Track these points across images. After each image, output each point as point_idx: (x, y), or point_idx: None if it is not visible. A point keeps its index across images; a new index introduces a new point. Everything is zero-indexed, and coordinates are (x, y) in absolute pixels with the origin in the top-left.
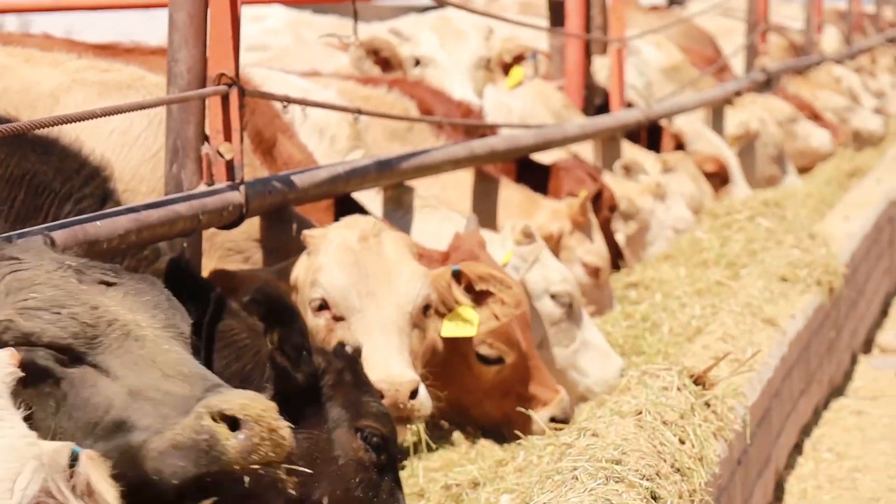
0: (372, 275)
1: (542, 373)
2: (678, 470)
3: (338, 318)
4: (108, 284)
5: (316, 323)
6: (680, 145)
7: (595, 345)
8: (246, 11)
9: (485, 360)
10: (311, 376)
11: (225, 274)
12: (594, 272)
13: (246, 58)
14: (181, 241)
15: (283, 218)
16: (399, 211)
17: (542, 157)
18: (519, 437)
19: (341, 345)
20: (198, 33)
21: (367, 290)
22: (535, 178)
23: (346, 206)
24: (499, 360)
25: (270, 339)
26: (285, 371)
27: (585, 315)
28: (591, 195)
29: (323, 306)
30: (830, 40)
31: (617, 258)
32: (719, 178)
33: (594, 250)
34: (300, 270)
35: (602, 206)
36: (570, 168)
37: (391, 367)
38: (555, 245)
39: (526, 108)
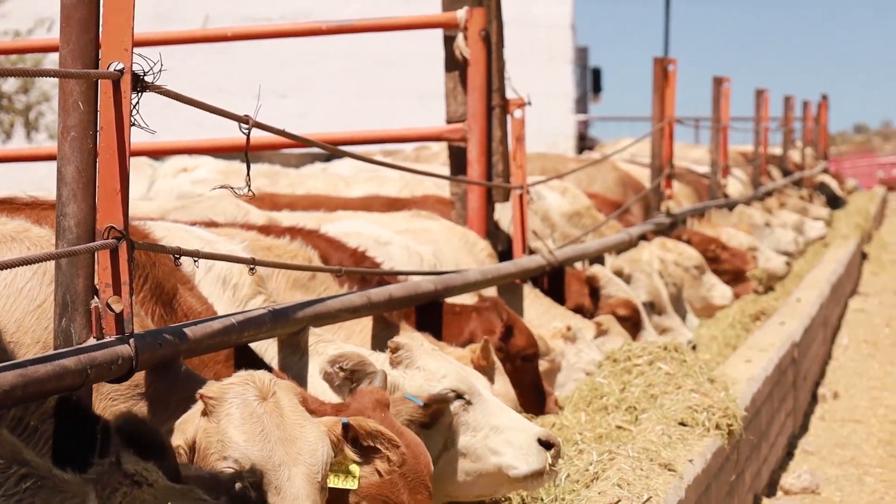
0: (277, 442)
1: None
2: None
3: None
4: None
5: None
6: (594, 290)
7: (505, 425)
8: (176, 163)
9: None
10: None
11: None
12: None
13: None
14: (70, 395)
15: (168, 367)
16: (295, 355)
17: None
18: None
19: (231, 482)
20: (87, 187)
21: (277, 462)
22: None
23: (241, 354)
24: None
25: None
26: None
27: (486, 394)
28: (498, 337)
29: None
30: (737, 183)
31: (539, 401)
32: (631, 322)
33: (501, 393)
34: (199, 433)
35: (513, 351)
36: (483, 310)
37: None
38: None
39: (449, 255)
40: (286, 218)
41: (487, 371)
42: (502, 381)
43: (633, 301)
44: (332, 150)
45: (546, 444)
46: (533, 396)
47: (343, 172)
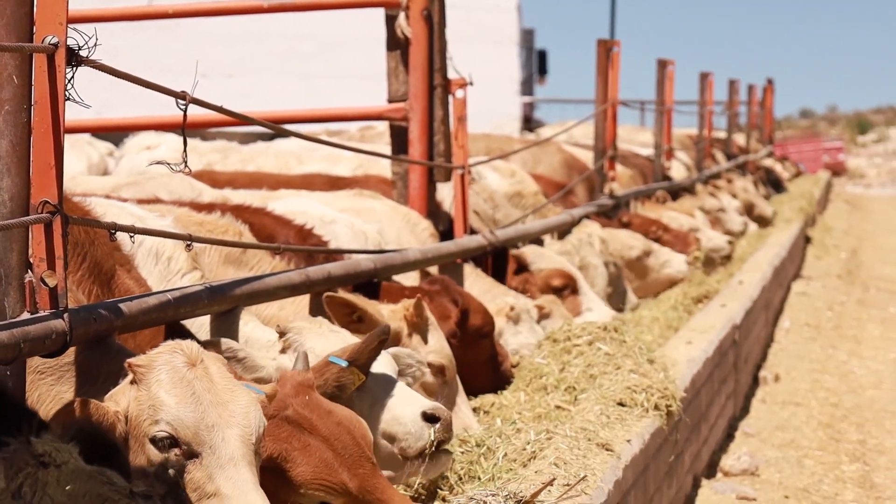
0: (209, 405)
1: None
2: None
3: (189, 456)
4: None
5: (160, 459)
6: (522, 267)
7: (391, 401)
8: (140, 140)
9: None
10: None
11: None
12: (439, 371)
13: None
14: (3, 369)
15: (98, 341)
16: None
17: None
18: None
19: (163, 468)
20: (21, 161)
21: (210, 423)
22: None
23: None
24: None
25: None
26: None
27: (374, 370)
28: (455, 323)
29: (172, 444)
30: (681, 166)
31: (496, 374)
32: (569, 290)
33: (435, 349)
34: (131, 403)
35: (471, 331)
36: (435, 294)
37: None
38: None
39: (391, 234)
40: (236, 196)
41: (421, 328)
42: (437, 336)
43: (565, 269)
44: (271, 128)
45: (432, 418)
46: (490, 371)
47: (283, 151)
